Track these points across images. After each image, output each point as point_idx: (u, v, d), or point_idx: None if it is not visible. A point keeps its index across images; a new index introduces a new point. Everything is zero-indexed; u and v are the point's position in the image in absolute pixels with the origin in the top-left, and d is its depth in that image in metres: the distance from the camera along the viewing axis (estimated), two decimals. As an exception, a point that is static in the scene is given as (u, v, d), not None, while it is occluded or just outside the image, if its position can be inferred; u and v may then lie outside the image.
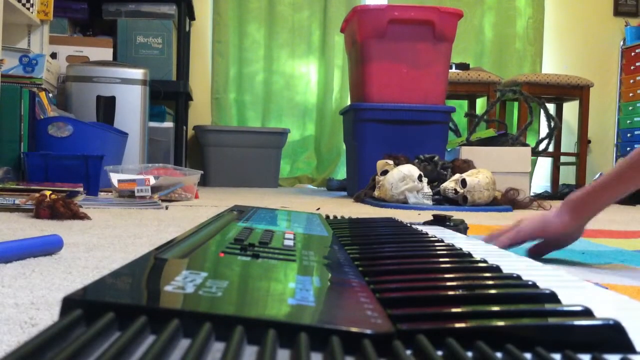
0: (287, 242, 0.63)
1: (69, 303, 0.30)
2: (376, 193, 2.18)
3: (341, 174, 3.73)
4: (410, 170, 2.08)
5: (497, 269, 0.54)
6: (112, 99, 2.69)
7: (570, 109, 3.86)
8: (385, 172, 2.18)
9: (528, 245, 0.96)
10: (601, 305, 0.45)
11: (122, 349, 0.26)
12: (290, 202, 2.15)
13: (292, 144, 3.80)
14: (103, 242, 0.96)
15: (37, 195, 1.32)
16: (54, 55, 2.86)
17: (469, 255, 0.63)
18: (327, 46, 3.80)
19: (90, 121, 2.52)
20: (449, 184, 2.11)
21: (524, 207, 2.15)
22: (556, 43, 4.10)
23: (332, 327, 0.31)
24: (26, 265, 0.73)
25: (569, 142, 3.91)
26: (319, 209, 1.87)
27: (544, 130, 3.65)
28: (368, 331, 0.31)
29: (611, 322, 0.34)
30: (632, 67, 3.86)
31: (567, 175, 3.91)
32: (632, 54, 3.87)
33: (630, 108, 3.83)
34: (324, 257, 0.57)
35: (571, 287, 0.53)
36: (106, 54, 2.97)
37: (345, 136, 2.95)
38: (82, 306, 0.30)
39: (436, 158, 2.34)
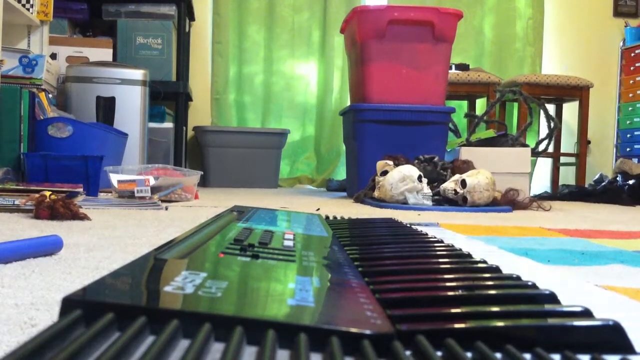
0: (286, 243, 0.63)
1: (68, 303, 0.30)
2: (376, 193, 2.18)
3: (341, 174, 3.73)
4: (410, 170, 2.08)
5: (496, 269, 0.54)
6: (111, 100, 2.69)
7: (570, 110, 3.86)
8: (385, 173, 2.18)
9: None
10: (601, 306, 0.45)
11: (122, 349, 0.26)
12: (290, 203, 2.15)
13: (292, 145, 3.80)
14: (103, 242, 0.96)
15: (37, 195, 1.32)
16: (53, 56, 2.86)
17: (469, 255, 0.63)
18: (327, 47, 3.80)
19: (90, 122, 2.52)
20: (449, 185, 2.11)
21: (524, 207, 2.15)
22: (556, 44, 4.10)
23: (331, 328, 0.31)
24: (26, 266, 0.73)
25: (568, 142, 3.91)
26: (318, 209, 1.87)
27: (543, 130, 3.65)
28: (367, 332, 0.31)
29: (611, 322, 0.34)
30: (631, 68, 3.86)
31: (567, 175, 3.91)
32: (632, 54, 3.87)
33: (630, 109, 3.83)
34: (323, 258, 0.57)
35: (571, 288, 0.53)
36: (106, 54, 2.97)
37: (345, 137, 2.95)
38: (81, 306, 0.30)
39: (436, 159, 2.34)
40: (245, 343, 0.30)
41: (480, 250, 0.78)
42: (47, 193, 1.33)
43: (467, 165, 2.30)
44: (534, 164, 3.77)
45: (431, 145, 2.54)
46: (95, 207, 1.60)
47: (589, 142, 3.89)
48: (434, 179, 2.25)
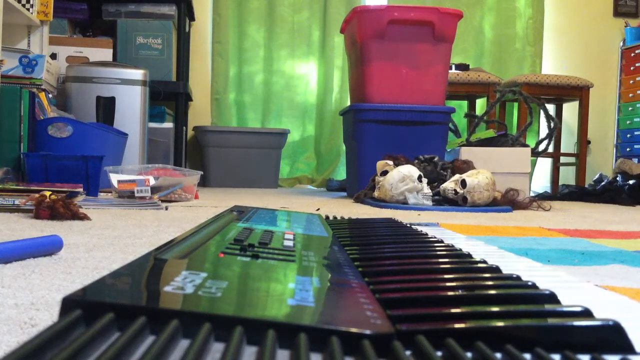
0: (286, 243, 0.63)
1: (68, 303, 0.30)
2: (376, 193, 2.18)
3: (341, 174, 3.73)
4: (410, 170, 2.08)
5: (496, 269, 0.54)
6: (111, 100, 2.69)
7: (570, 110, 3.86)
8: (385, 173, 2.18)
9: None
10: (601, 306, 0.45)
11: (122, 349, 0.26)
12: (290, 203, 2.15)
13: (292, 145, 3.80)
14: (103, 242, 0.96)
15: (37, 195, 1.32)
16: (53, 56, 2.86)
17: (469, 255, 0.63)
18: (327, 47, 3.80)
19: (90, 122, 2.52)
20: (449, 185, 2.11)
21: (524, 207, 2.15)
22: (556, 43, 4.10)
23: (331, 328, 0.31)
24: (26, 266, 0.73)
25: (568, 142, 3.91)
26: (318, 209, 1.87)
27: (543, 130, 3.65)
28: (367, 332, 0.31)
29: (611, 322, 0.34)
30: (631, 68, 3.86)
31: (567, 175, 3.91)
32: (632, 54, 3.87)
33: (630, 109, 3.83)
34: (323, 258, 0.57)
35: (571, 288, 0.53)
36: (106, 54, 2.97)
37: (345, 137, 2.95)
38: (81, 306, 0.30)
39: (436, 159, 2.34)
40: (245, 343, 0.30)
41: (480, 250, 0.78)
42: (47, 193, 1.33)
43: (467, 165, 2.30)
44: (534, 164, 3.77)
45: (431, 145, 2.54)
46: (95, 207, 1.60)
47: (589, 142, 3.89)
48: (434, 179, 2.25)
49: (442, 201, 2.14)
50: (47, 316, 0.50)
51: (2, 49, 2.15)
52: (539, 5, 3.98)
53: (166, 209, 1.68)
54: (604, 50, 4.13)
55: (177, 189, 2.03)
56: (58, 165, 1.97)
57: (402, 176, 2.07)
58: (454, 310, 0.38)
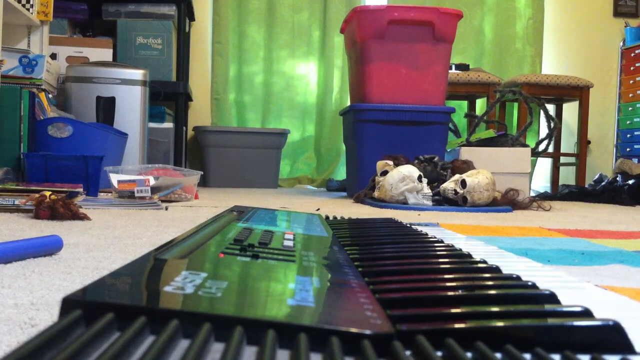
0: (286, 243, 0.63)
1: (68, 303, 0.30)
2: (376, 194, 2.18)
3: (341, 174, 3.73)
4: (410, 170, 2.08)
5: (496, 269, 0.54)
6: (111, 100, 2.69)
7: (570, 110, 3.86)
8: (385, 173, 2.18)
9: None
10: (601, 306, 0.45)
11: (122, 349, 0.26)
12: (290, 203, 2.15)
13: (292, 145, 3.80)
14: (103, 242, 0.96)
15: (36, 195, 1.32)
16: (53, 56, 2.86)
17: (469, 255, 0.63)
18: (327, 47, 3.80)
19: (90, 122, 2.52)
20: (449, 185, 2.11)
21: (524, 207, 2.15)
22: (556, 44, 4.10)
23: (331, 328, 0.31)
24: (26, 266, 0.73)
25: (568, 142, 3.91)
26: (318, 209, 1.87)
27: (543, 130, 3.65)
28: (367, 332, 0.31)
29: (611, 322, 0.34)
30: (631, 68, 3.86)
31: (567, 175, 3.91)
32: (632, 54, 3.87)
33: (630, 109, 3.83)
34: (323, 258, 0.57)
35: (571, 288, 0.53)
36: (106, 54, 2.97)
37: (345, 137, 2.95)
38: (81, 306, 0.30)
39: (436, 159, 2.34)
40: (245, 343, 0.30)
41: (480, 250, 0.78)
42: (47, 193, 1.33)
43: (467, 165, 2.30)
44: (534, 164, 3.77)
45: (431, 145, 2.54)
46: (95, 207, 1.60)
47: (589, 142, 3.89)
48: (434, 179, 2.25)
49: (442, 201, 2.14)
50: (47, 316, 0.50)
51: (2, 49, 2.15)
52: (539, 5, 3.98)
53: (166, 209, 1.68)
54: (604, 50, 4.12)
55: (177, 189, 2.02)
56: (58, 165, 1.97)
57: (402, 176, 2.07)
58: (454, 310, 0.38)
